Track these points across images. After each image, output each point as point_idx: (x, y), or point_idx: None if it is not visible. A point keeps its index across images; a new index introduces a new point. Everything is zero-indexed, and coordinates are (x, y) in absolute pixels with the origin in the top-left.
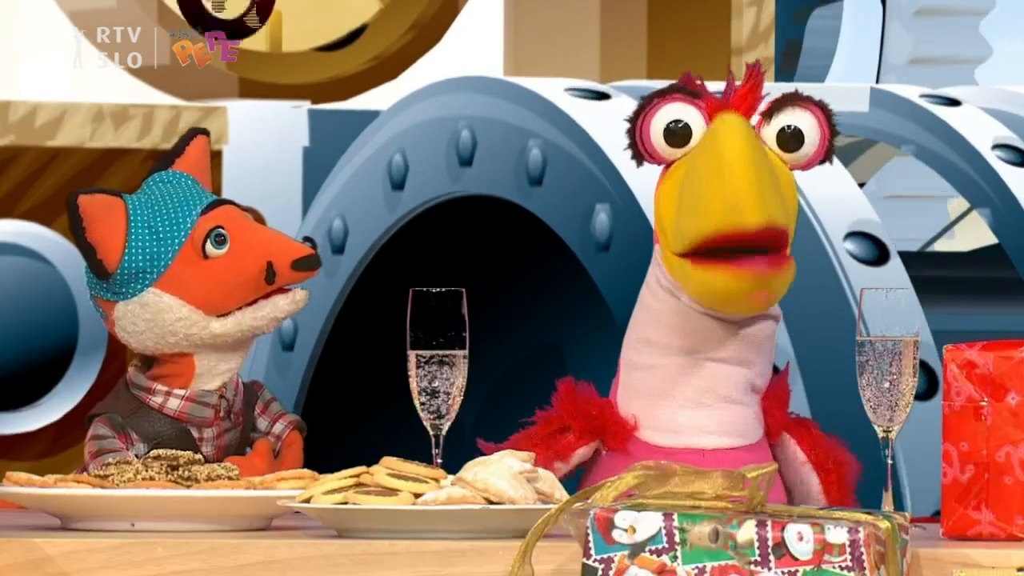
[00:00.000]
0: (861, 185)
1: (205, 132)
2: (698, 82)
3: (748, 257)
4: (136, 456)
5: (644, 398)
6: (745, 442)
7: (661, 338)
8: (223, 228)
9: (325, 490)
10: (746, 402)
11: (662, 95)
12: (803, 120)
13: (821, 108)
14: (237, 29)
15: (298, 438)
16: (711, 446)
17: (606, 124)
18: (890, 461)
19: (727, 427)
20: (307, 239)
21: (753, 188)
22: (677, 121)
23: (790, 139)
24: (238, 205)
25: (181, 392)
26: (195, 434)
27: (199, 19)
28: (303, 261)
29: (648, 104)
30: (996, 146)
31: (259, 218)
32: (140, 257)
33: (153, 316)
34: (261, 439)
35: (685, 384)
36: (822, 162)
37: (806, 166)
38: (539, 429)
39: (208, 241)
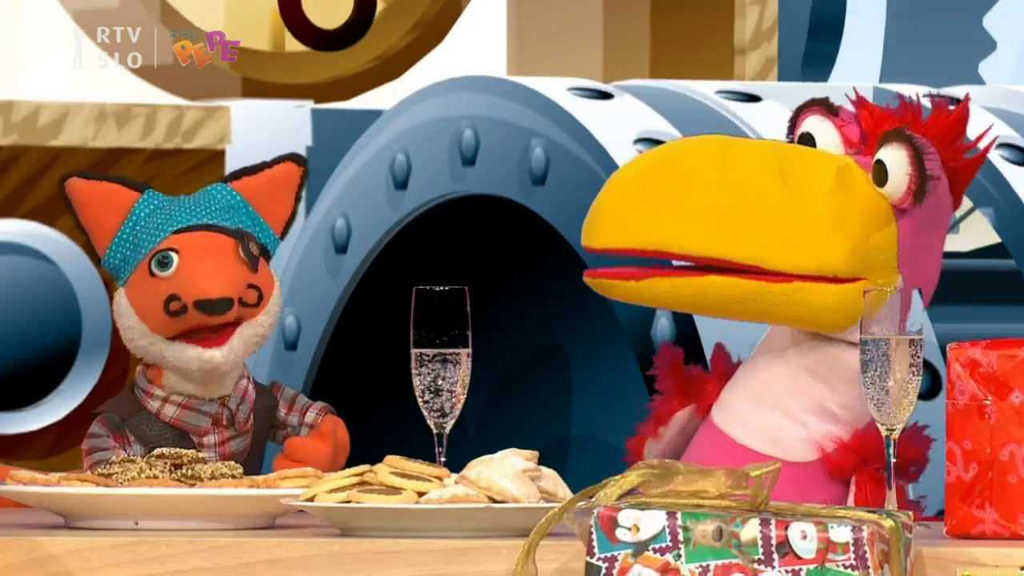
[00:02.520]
0: None
1: (295, 159)
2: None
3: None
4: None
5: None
6: (779, 453)
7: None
8: (174, 252)
9: (328, 489)
10: (803, 420)
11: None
12: (893, 156)
13: (913, 147)
14: (340, 38)
15: (337, 419)
16: (741, 440)
17: (609, 123)
18: (894, 460)
19: (761, 431)
20: (252, 286)
21: (604, 211)
22: (807, 134)
23: (877, 173)
24: (233, 233)
25: (179, 399)
26: (194, 440)
27: (301, 31)
28: (204, 303)
29: (796, 116)
30: (999, 146)
31: (265, 252)
32: (117, 256)
33: (118, 315)
34: (324, 420)
35: (754, 376)
36: (917, 201)
37: (899, 203)
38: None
39: (153, 260)
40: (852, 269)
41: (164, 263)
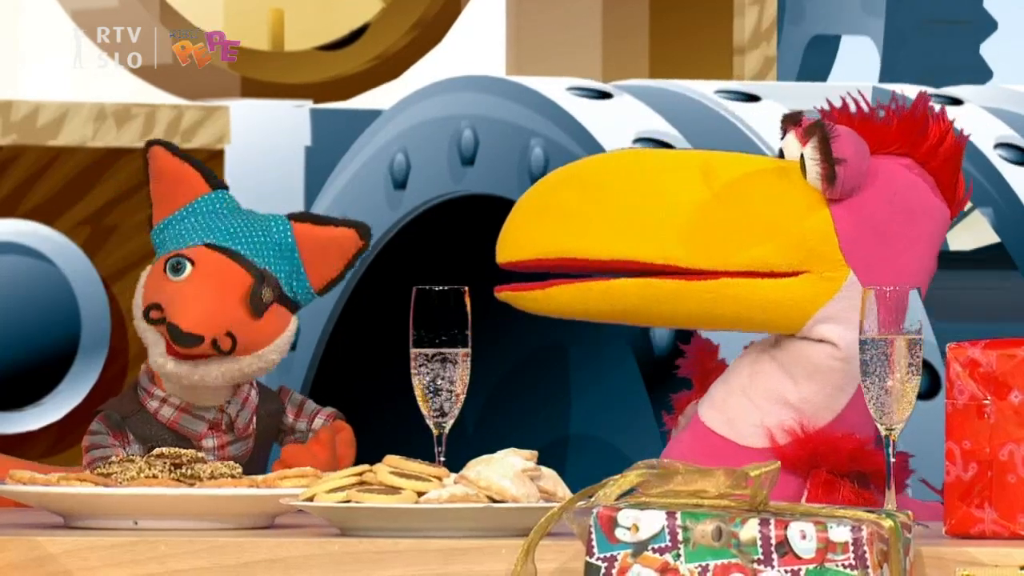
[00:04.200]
0: None
1: (362, 229)
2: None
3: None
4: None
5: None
6: (732, 436)
7: None
8: (189, 260)
9: (328, 488)
10: (760, 406)
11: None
12: (808, 149)
13: (820, 133)
14: None
15: (344, 425)
16: (703, 419)
17: (608, 123)
18: (893, 460)
19: (716, 402)
20: (229, 334)
21: (509, 227)
22: (780, 152)
23: (801, 168)
24: (255, 272)
25: (176, 401)
26: (192, 443)
27: None
28: (174, 329)
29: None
30: (998, 145)
31: (281, 296)
32: (163, 235)
33: (138, 288)
34: (323, 428)
35: (735, 364)
36: (829, 184)
37: (823, 192)
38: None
39: (168, 263)
40: (789, 262)
41: (177, 269)
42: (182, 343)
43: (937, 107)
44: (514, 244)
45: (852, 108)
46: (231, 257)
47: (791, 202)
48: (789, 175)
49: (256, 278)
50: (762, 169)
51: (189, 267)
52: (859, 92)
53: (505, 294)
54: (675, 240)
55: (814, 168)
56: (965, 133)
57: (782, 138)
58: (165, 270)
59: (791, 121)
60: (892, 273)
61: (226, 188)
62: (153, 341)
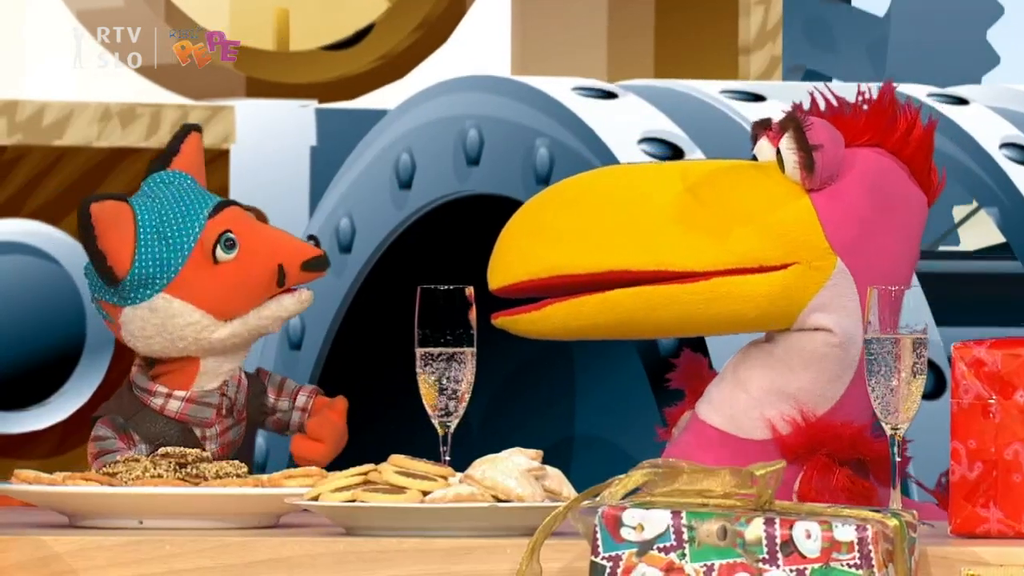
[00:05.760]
0: None
1: (197, 128)
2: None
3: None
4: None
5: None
6: (733, 430)
7: None
8: (232, 232)
9: (333, 488)
10: (760, 399)
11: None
12: (784, 141)
13: (793, 123)
14: None
15: (328, 400)
16: (703, 416)
17: (613, 123)
18: (898, 459)
19: (715, 401)
20: (311, 237)
21: (497, 252)
22: (753, 157)
23: (779, 162)
24: (241, 205)
25: (182, 394)
26: (198, 433)
27: None
28: (313, 262)
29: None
30: (1004, 145)
31: (262, 217)
32: (150, 263)
33: (163, 321)
34: (339, 398)
35: (732, 361)
36: (808, 172)
37: (802, 182)
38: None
39: (218, 246)
40: (775, 254)
41: (230, 245)
42: (325, 266)
43: (903, 99)
44: (504, 268)
45: (821, 104)
46: (225, 206)
47: (772, 196)
48: (767, 172)
49: (242, 207)
50: (740, 167)
51: (234, 236)
52: (827, 87)
53: (501, 319)
54: (664, 245)
55: (791, 158)
56: (932, 119)
57: (753, 145)
58: (216, 259)
59: (761, 127)
60: (877, 259)
61: (125, 195)
62: (258, 318)
